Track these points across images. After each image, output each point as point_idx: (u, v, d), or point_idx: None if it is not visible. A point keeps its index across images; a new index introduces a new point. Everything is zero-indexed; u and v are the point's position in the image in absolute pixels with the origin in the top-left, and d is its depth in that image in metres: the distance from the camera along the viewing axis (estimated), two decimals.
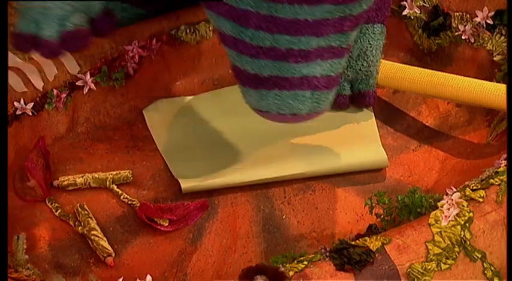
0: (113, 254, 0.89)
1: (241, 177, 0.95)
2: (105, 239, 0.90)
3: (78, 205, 0.93)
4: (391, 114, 1.05)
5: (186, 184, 0.94)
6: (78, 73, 0.99)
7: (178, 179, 0.95)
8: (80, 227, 0.91)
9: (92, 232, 0.90)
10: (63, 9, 0.85)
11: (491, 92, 0.95)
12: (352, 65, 1.00)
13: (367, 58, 1.00)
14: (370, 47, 1.00)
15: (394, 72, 1.02)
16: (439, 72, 1.00)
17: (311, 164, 0.96)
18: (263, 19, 0.79)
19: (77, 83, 1.00)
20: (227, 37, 0.82)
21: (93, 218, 0.92)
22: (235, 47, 0.82)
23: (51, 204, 0.93)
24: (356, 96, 1.03)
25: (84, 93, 1.00)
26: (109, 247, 0.89)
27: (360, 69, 1.01)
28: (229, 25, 0.81)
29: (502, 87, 0.95)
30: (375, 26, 1.00)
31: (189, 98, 1.05)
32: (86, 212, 0.92)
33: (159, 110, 1.03)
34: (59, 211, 0.92)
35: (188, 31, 1.05)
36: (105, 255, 0.88)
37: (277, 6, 0.77)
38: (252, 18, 0.79)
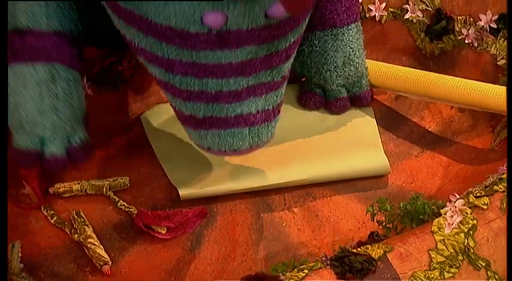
0: (110, 263, 0.88)
1: (241, 184, 0.95)
2: (101, 247, 0.89)
3: (74, 212, 0.92)
4: (393, 119, 1.05)
5: (184, 191, 0.94)
6: None
7: (176, 186, 0.95)
8: (76, 235, 0.90)
9: (88, 240, 0.89)
10: (72, 126, 0.88)
11: (495, 94, 0.95)
12: (341, 74, 1.00)
13: (353, 62, 1.00)
14: (353, 51, 1.00)
15: (396, 74, 1.02)
16: (442, 75, 1.00)
17: (311, 170, 0.96)
18: (188, 66, 0.79)
19: None
20: (159, 81, 0.83)
21: (89, 226, 0.91)
22: (168, 90, 0.83)
23: (47, 211, 0.93)
24: (353, 100, 1.04)
25: None
26: (106, 255, 0.89)
27: (349, 75, 1.01)
28: (158, 71, 0.82)
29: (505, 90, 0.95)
30: (350, 27, 1.00)
31: None
32: (82, 220, 0.91)
33: (157, 115, 1.03)
34: (55, 218, 0.92)
35: None
36: (101, 263, 0.88)
37: (199, 54, 0.78)
38: (176, 66, 0.80)
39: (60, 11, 0.86)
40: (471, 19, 1.03)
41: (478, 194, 0.82)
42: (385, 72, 1.02)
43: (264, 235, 0.92)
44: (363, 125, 1.03)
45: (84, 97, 0.90)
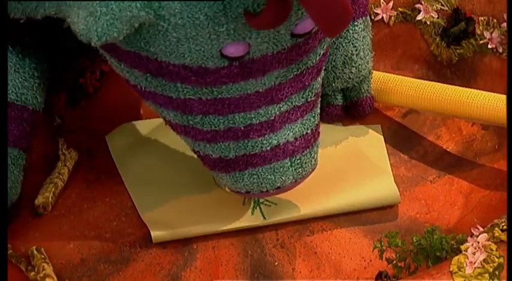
0: None
1: (225, 223, 0.94)
2: None
3: (34, 247, 0.92)
4: (405, 138, 1.05)
5: (157, 232, 0.94)
6: None
7: (148, 227, 0.94)
8: (32, 273, 0.90)
9: (47, 280, 0.89)
10: None
11: None
12: (339, 76, 1.01)
13: (355, 63, 1.00)
14: (356, 50, 1.00)
15: (407, 90, 1.02)
16: (462, 88, 1.00)
17: (308, 204, 0.96)
18: (209, 104, 0.81)
19: None
20: (175, 125, 0.86)
21: (49, 264, 0.91)
22: (187, 134, 0.85)
23: None
24: (348, 106, 1.04)
25: None
26: None
27: (350, 77, 1.01)
28: (173, 114, 0.84)
29: None
30: (356, 23, 1.00)
31: (161, 120, 1.03)
32: (42, 256, 0.91)
33: (125, 136, 1.03)
34: (10, 251, 0.91)
35: None
36: None
37: (220, 89, 0.80)
38: (195, 106, 0.81)
39: (19, 79, 0.90)
40: (494, 20, 1.04)
41: (505, 227, 0.82)
42: (394, 88, 1.02)
43: (252, 276, 0.92)
44: (368, 145, 1.03)
45: (20, 181, 0.93)
